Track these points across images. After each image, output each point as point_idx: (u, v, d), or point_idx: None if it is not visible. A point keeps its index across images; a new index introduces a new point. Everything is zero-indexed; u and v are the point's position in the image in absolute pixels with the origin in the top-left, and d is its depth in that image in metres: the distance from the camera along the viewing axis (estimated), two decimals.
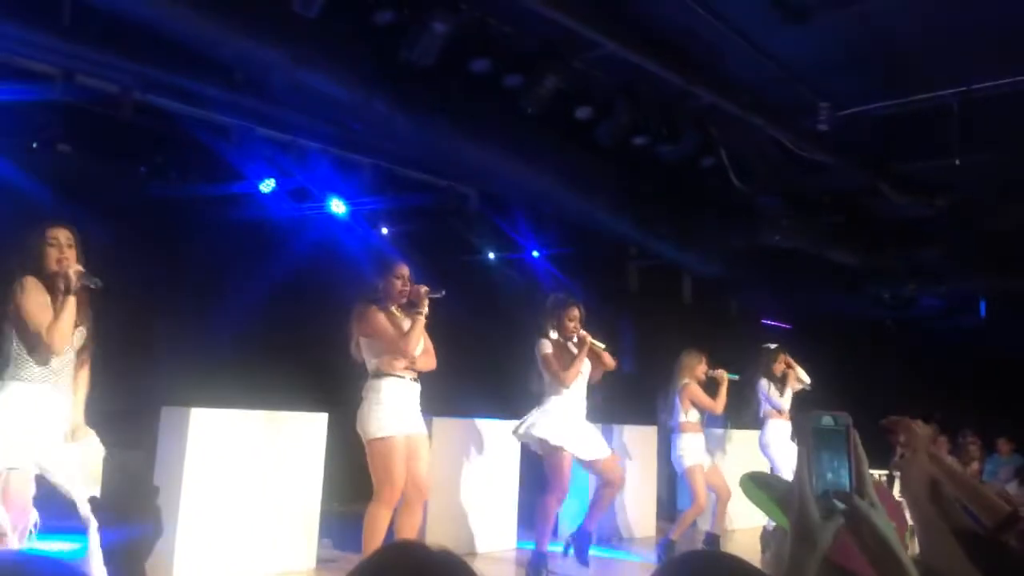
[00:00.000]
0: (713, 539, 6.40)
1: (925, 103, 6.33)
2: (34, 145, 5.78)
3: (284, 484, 5.14)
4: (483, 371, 7.51)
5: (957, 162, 6.54)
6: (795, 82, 6.19)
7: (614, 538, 7.17)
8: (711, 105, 6.32)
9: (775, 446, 6.82)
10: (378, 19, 5.04)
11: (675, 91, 6.04)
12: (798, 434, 1.26)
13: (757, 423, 7.08)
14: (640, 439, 7.58)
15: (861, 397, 6.68)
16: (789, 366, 7.04)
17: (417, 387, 4.54)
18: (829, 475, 1.19)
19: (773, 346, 7.16)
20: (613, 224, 7.58)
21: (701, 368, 6.49)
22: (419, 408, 4.55)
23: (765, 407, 6.97)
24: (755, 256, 8.65)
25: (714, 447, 7.33)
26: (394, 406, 4.38)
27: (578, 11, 4.99)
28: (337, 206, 7.64)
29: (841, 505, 1.18)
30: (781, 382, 6.98)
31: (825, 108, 6.36)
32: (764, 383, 6.98)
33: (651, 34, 5.44)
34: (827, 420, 1.21)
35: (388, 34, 5.11)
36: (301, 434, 5.31)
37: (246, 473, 4.97)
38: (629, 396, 7.98)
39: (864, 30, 5.52)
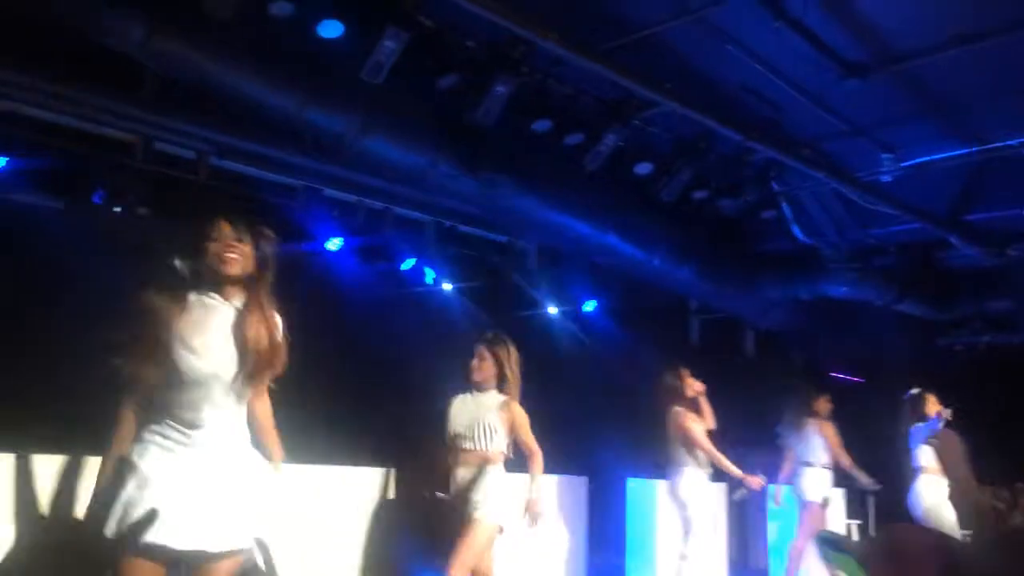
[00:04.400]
0: None
1: (992, 152, 6.23)
2: (116, 209, 6.01)
3: (356, 540, 5.16)
4: (547, 426, 7.46)
5: None
6: (857, 135, 6.16)
7: None
8: (772, 159, 6.32)
9: (930, 504, 6.36)
10: (442, 83, 5.21)
11: (735, 146, 6.06)
12: None
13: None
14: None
15: None
16: (942, 405, 6.51)
17: None
18: None
19: (916, 390, 6.66)
20: (674, 278, 7.56)
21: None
22: None
23: (919, 460, 6.48)
24: (822, 308, 8.51)
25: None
26: None
27: (636, 72, 5.07)
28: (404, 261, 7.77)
29: None
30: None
31: (888, 159, 6.30)
32: (917, 428, 6.53)
33: (710, 92, 5.49)
34: None
35: (452, 97, 5.27)
36: (370, 489, 5.32)
37: (317, 528, 5.00)
38: None
39: (925, 82, 5.50)
